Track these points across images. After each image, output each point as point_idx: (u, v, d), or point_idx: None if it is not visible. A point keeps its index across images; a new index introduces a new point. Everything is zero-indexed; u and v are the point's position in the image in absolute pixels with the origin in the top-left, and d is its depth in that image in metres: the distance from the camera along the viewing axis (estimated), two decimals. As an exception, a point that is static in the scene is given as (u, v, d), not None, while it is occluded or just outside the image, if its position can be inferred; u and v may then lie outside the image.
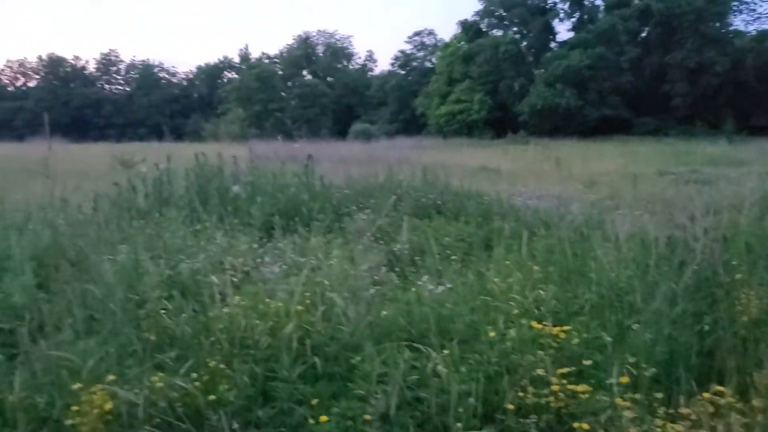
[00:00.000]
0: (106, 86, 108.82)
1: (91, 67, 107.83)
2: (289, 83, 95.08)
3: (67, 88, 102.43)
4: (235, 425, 3.32)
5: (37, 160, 28.45)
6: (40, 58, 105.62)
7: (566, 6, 73.13)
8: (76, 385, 3.24)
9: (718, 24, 63.62)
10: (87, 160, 25.44)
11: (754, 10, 67.61)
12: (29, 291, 4.48)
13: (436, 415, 3.56)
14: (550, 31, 74.56)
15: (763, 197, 8.86)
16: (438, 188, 11.14)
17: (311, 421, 3.43)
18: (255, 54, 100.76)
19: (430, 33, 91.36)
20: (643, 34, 67.73)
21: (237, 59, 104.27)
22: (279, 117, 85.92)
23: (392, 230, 8.58)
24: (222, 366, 3.62)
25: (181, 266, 5.54)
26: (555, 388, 3.68)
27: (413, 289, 5.65)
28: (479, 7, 77.44)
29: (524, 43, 75.10)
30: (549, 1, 74.13)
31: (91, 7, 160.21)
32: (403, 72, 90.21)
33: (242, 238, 7.20)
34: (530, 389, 3.69)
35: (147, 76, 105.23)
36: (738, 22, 77.67)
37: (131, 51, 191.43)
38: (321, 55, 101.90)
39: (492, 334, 4.13)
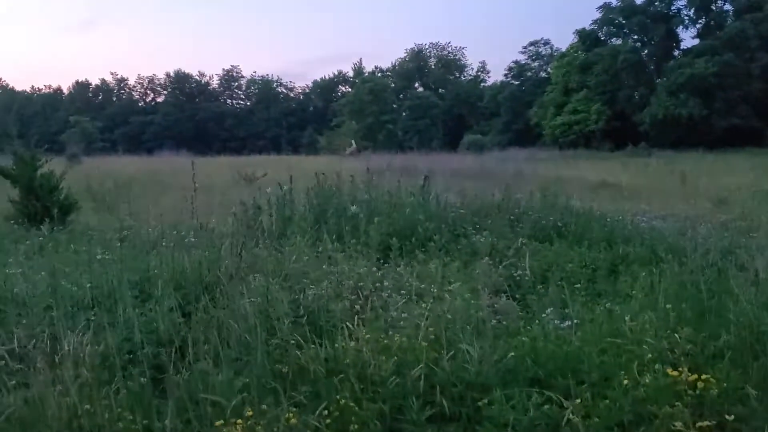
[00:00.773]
0: (228, 101, 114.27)
1: (215, 83, 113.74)
2: (401, 95, 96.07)
3: (193, 103, 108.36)
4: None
5: (167, 173, 30.13)
6: (168, 74, 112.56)
7: (691, 12, 69.75)
8: (219, 422, 3.36)
9: None
10: (211, 173, 26.59)
11: None
12: (170, 317, 4.70)
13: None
14: (674, 39, 71.43)
15: None
16: (558, 209, 10.80)
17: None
18: (368, 68, 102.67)
19: (546, 43, 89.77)
20: (777, 39, 63.45)
21: (351, 73, 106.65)
22: (390, 129, 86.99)
23: (511, 254, 8.42)
24: (351, 404, 3.64)
25: (306, 292, 5.64)
26: (695, 443, 3.45)
27: (537, 322, 5.50)
28: (597, 15, 75.41)
29: (645, 52, 72.38)
30: (672, 8, 70.96)
31: (215, 25, 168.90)
32: (516, 82, 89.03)
33: (361, 261, 7.25)
34: (668, 443, 3.47)
35: (266, 90, 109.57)
36: None
37: (252, 67, 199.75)
38: (433, 67, 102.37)
39: (626, 380, 3.92)
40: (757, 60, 60.36)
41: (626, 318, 4.90)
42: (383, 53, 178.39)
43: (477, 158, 38.81)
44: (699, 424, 3.60)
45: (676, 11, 71.00)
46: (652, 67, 71.44)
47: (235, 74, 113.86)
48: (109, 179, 21.70)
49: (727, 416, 3.72)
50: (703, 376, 3.99)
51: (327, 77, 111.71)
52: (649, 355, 4.28)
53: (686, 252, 7.24)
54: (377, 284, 6.49)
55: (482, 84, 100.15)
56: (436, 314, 4.77)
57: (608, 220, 10.47)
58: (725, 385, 4.03)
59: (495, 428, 3.56)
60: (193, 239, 8.31)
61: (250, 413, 3.43)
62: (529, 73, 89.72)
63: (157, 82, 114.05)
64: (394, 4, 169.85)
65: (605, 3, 73.95)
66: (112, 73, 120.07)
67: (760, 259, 6.28)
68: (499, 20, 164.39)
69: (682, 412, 3.71)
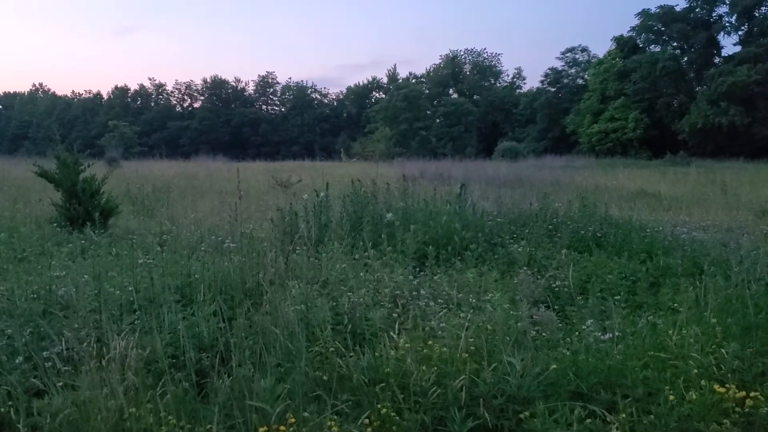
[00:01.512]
0: (264, 107, 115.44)
1: (250, 88, 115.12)
2: (435, 102, 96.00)
3: (228, 108, 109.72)
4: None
5: (203, 177, 30.42)
6: (204, 80, 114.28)
7: (733, 19, 68.39)
8: (263, 428, 3.39)
9: None
10: (247, 179, 26.89)
11: None
12: (212, 322, 4.75)
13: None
14: (715, 46, 70.09)
15: None
16: (597, 218, 10.66)
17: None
18: (402, 74, 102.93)
19: (583, 49, 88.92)
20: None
21: (385, 80, 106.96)
22: (424, 135, 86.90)
23: (549, 264, 8.34)
24: (393, 414, 3.64)
25: (344, 299, 5.66)
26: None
27: (577, 333, 5.44)
28: (635, 22, 74.49)
29: (685, 59, 71.24)
30: (713, 15, 69.66)
31: (252, 32, 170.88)
32: (553, 89, 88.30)
33: (398, 269, 7.25)
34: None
35: (301, 96, 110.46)
36: None
37: (287, 73, 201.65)
38: (468, 73, 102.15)
39: (671, 396, 3.85)
40: (801, 67, 58.98)
41: (670, 332, 4.82)
42: (418, 59, 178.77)
43: (512, 166, 38.51)
44: (747, 442, 3.52)
45: (717, 18, 69.75)
46: (692, 75, 70.25)
47: (270, 80, 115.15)
48: (147, 183, 22.03)
49: (776, 436, 3.64)
50: (752, 394, 3.91)
51: (361, 83, 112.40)
52: (695, 371, 4.19)
53: (730, 264, 7.08)
54: (414, 293, 6.49)
55: (518, 90, 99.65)
56: (476, 324, 4.74)
57: (648, 230, 10.30)
58: (774, 403, 3.93)
59: (537, 441, 3.52)
60: (232, 244, 8.40)
61: (293, 420, 3.45)
62: (565, 80, 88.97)
63: (194, 88, 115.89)
64: (429, 11, 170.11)
65: (644, 9, 73.15)
66: (150, 79, 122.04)
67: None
68: (535, 27, 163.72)
69: (730, 430, 3.64)
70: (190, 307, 5.14)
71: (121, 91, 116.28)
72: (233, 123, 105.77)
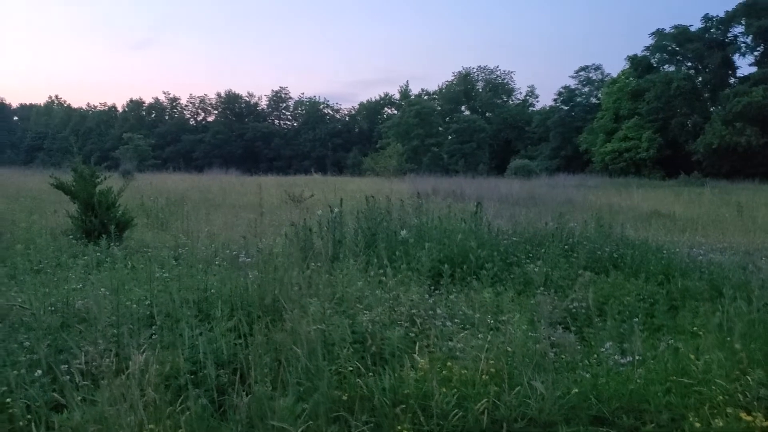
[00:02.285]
0: (276, 121, 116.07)
1: (263, 103, 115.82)
2: (447, 118, 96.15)
3: (242, 122, 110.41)
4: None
5: (217, 191, 30.50)
6: (218, 94, 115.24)
7: (749, 39, 68.18)
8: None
9: None
10: (259, 192, 26.94)
11: None
12: (229, 338, 4.73)
13: None
14: (730, 66, 69.90)
15: None
16: (614, 239, 10.58)
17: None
18: (415, 90, 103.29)
19: (597, 68, 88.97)
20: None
21: (397, 96, 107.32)
22: (436, 151, 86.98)
23: (566, 284, 8.28)
24: (413, 436, 3.60)
25: (361, 317, 5.62)
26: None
27: (595, 356, 5.38)
28: (649, 41, 74.53)
29: (699, 79, 70.98)
30: (729, 35, 69.53)
31: (266, 47, 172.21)
32: (566, 107, 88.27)
33: (413, 288, 7.20)
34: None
35: (313, 112, 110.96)
36: None
37: (300, 88, 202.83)
38: (480, 90, 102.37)
39: (697, 423, 3.79)
40: (818, 89, 58.66)
41: (692, 356, 4.75)
42: (430, 76, 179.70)
43: (525, 184, 38.39)
44: (775, 473, 3.45)
45: (732, 38, 69.63)
46: (707, 95, 70.04)
47: (283, 95, 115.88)
48: (161, 196, 22.14)
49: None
50: (779, 422, 3.84)
51: (373, 99, 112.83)
52: (720, 398, 4.13)
53: (751, 288, 7.00)
54: (429, 311, 6.45)
55: (531, 108, 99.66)
56: (496, 346, 4.69)
57: (665, 252, 10.22)
58: (802, 432, 3.86)
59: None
60: (247, 259, 8.39)
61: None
62: (579, 99, 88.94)
63: (209, 102, 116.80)
64: (443, 28, 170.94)
65: (658, 29, 73.20)
66: (165, 93, 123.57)
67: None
68: (549, 45, 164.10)
69: (758, 459, 3.57)
70: (208, 323, 5.12)
71: (135, 104, 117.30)
72: (246, 137, 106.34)
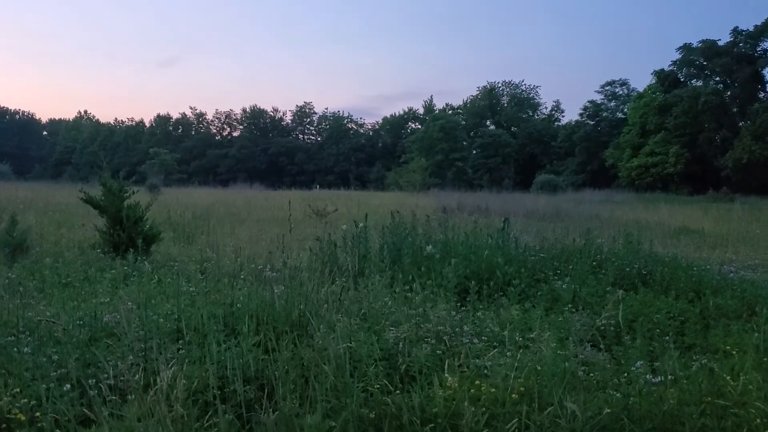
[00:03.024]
0: (300, 136, 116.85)
1: (288, 118, 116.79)
2: (472, 133, 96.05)
3: (266, 137, 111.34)
4: None
5: (241, 205, 30.83)
6: (244, 110, 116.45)
7: (779, 53, 67.43)
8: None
9: None
10: (283, 207, 27.10)
11: None
12: (256, 353, 4.71)
13: None
14: (759, 80, 69.10)
15: None
16: (642, 255, 10.43)
17: None
18: (439, 105, 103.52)
19: (623, 83, 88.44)
20: None
21: (421, 110, 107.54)
22: (460, 166, 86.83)
23: (594, 301, 8.16)
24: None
25: (388, 334, 5.58)
26: None
27: (625, 375, 5.27)
28: (676, 56, 73.99)
29: (728, 93, 70.19)
30: (758, 49, 68.75)
31: (291, 63, 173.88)
32: (592, 122, 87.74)
33: (440, 304, 7.14)
34: None
35: (337, 126, 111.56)
36: None
37: (324, 103, 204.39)
38: (506, 105, 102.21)
39: (734, 447, 3.68)
40: None
41: (728, 377, 4.63)
42: (455, 90, 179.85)
43: (551, 199, 38.14)
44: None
45: (762, 52, 68.86)
46: (735, 110, 69.20)
47: (307, 110, 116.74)
48: (187, 210, 22.33)
49: None
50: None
51: (397, 114, 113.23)
52: (758, 420, 4.01)
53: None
54: (456, 329, 6.38)
55: (556, 123, 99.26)
56: (525, 364, 4.62)
57: (695, 269, 10.05)
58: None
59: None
60: (273, 273, 8.40)
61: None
62: (605, 113, 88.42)
63: (234, 117, 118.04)
64: (467, 43, 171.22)
65: (685, 44, 72.69)
66: (191, 108, 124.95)
67: None
68: (574, 60, 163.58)
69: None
70: (234, 337, 5.11)
71: (162, 120, 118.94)
72: (270, 152, 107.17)
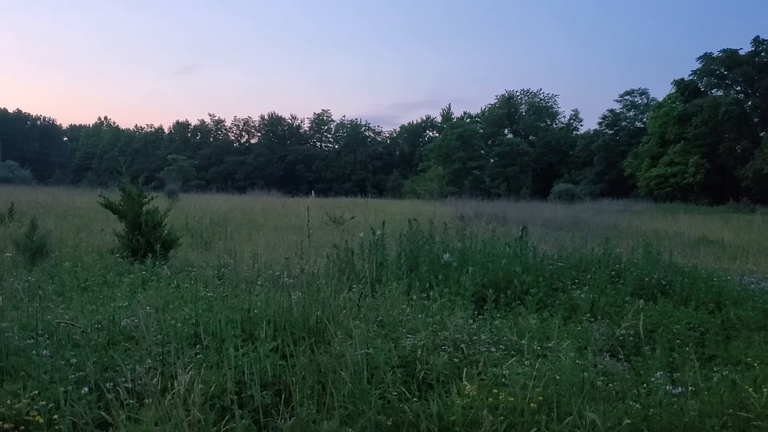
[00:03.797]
0: (318, 143, 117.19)
1: (306, 125, 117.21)
2: (490, 141, 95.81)
3: (284, 144, 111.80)
4: None
5: (259, 212, 30.92)
6: (262, 117, 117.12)
7: (801, 62, 66.64)
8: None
9: None
10: (300, 214, 27.19)
11: None
12: (273, 359, 4.71)
13: None
14: (781, 90, 68.21)
15: None
16: (662, 265, 10.32)
17: None
18: (457, 113, 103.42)
19: (643, 93, 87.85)
20: None
21: (439, 119, 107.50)
22: (478, 175, 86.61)
23: (612, 311, 8.09)
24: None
25: (405, 341, 5.56)
26: None
27: (644, 385, 5.21)
28: (696, 66, 73.36)
29: (749, 103, 69.42)
30: (780, 59, 68.02)
31: (310, 71, 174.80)
32: (610, 132, 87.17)
33: (457, 312, 7.11)
34: None
35: (354, 134, 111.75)
36: None
37: (342, 110, 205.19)
38: (524, 114, 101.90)
39: (757, 460, 3.62)
40: None
41: (750, 389, 4.56)
42: (473, 99, 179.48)
43: (569, 208, 37.91)
44: None
45: (784, 61, 68.16)
46: (756, 120, 68.46)
47: (325, 118, 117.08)
48: (205, 216, 22.46)
49: None
50: None
51: (415, 122, 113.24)
52: (781, 434, 3.94)
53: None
54: (474, 337, 6.34)
55: (574, 132, 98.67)
56: (543, 373, 4.58)
57: (715, 279, 9.92)
58: None
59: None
60: (290, 280, 8.40)
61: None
62: (623, 123, 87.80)
63: (252, 124, 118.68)
64: (485, 51, 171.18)
65: (706, 53, 72.02)
66: (210, 115, 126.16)
67: None
68: (593, 69, 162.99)
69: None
70: (251, 342, 5.12)
71: (181, 126, 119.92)
72: (288, 159, 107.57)
